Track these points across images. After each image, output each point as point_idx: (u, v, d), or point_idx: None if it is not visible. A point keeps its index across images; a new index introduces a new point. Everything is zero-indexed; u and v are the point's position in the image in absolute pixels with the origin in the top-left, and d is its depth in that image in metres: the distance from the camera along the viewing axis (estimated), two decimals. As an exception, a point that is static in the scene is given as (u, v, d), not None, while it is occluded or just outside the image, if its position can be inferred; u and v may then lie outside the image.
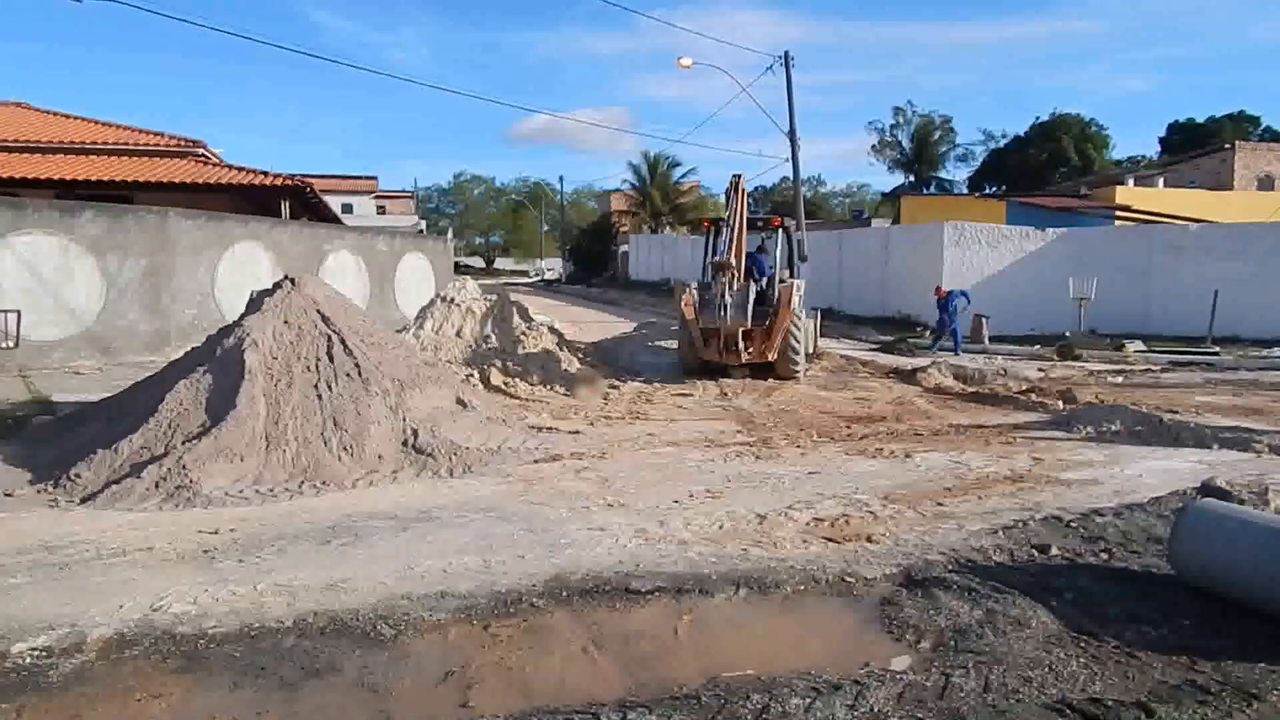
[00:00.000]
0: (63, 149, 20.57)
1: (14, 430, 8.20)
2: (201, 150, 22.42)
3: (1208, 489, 5.95)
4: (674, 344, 14.29)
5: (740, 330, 11.91)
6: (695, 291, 12.32)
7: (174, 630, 3.97)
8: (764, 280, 12.81)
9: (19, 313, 10.27)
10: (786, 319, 12.12)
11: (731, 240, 11.82)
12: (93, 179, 18.19)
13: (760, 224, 14.04)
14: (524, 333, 12.83)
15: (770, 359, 12.51)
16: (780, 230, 13.73)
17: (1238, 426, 8.88)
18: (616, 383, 12.20)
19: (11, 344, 9.99)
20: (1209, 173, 34.87)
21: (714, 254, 12.65)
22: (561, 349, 12.97)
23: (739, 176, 12.58)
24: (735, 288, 11.65)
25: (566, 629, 4.12)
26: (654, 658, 3.85)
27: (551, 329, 13.76)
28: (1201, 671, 3.57)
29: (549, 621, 4.19)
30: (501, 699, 3.47)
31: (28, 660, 3.70)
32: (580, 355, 13.50)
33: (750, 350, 12.28)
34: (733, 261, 11.62)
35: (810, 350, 13.89)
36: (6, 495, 6.15)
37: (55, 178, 18.00)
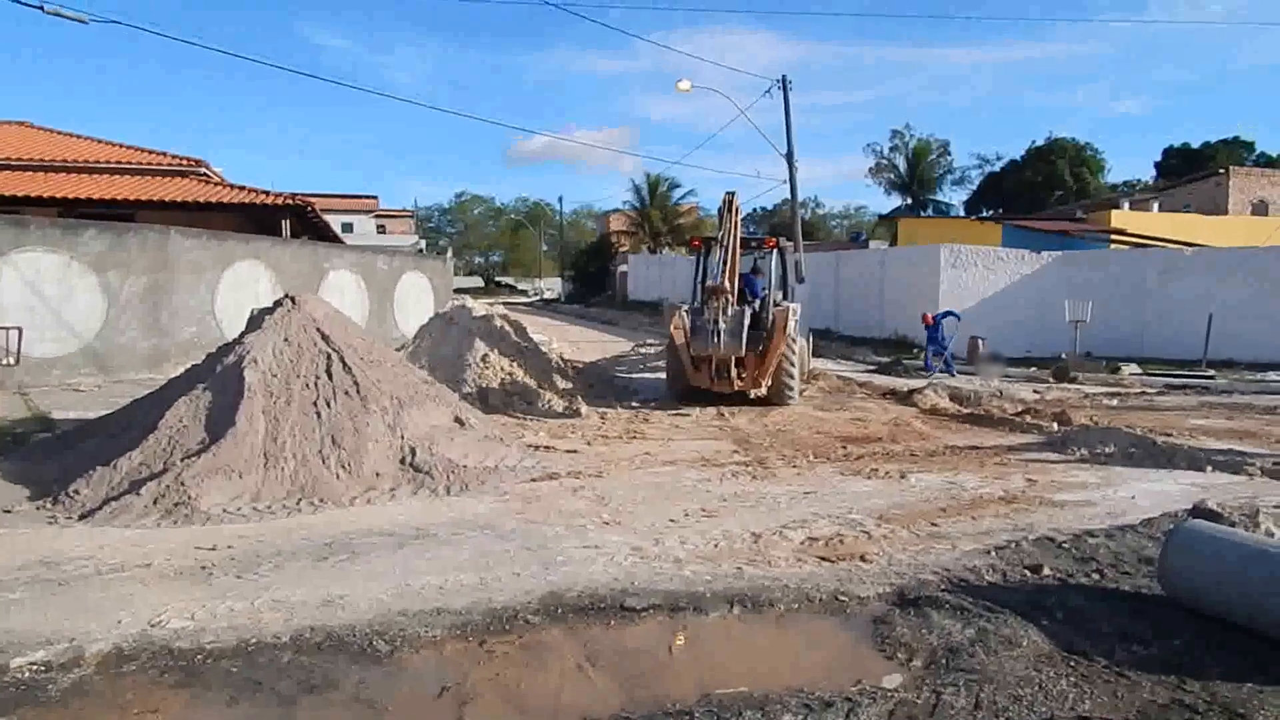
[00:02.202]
0: (66, 168, 20.75)
1: (13, 447, 8.23)
2: (203, 169, 22.61)
3: (1199, 511, 5.99)
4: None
5: (733, 357, 11.49)
6: (686, 316, 11.81)
7: (172, 645, 3.99)
8: (757, 302, 12.46)
9: (20, 330, 10.33)
10: (781, 345, 11.72)
11: (725, 262, 11.26)
12: (95, 197, 18.34)
13: (755, 244, 13.60)
14: (516, 357, 12.76)
15: (764, 387, 12.16)
16: (775, 251, 13.26)
17: (1231, 449, 8.93)
18: (607, 409, 11.65)
19: (12, 361, 10.04)
20: (1204, 197, 35.16)
21: (705, 274, 12.11)
22: (545, 375, 12.83)
23: (733, 194, 11.94)
24: (729, 313, 11.15)
25: (562, 646, 4.15)
26: (648, 674, 3.88)
27: (540, 351, 13.72)
28: (1190, 691, 3.61)
29: (544, 638, 4.22)
30: (497, 715, 3.51)
31: (26, 674, 3.72)
32: (570, 378, 13.51)
33: (743, 378, 11.91)
34: (726, 285, 11.09)
35: (804, 373, 13.55)
36: (5, 511, 6.17)
37: (58, 196, 18.14)
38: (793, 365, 12.08)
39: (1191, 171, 41.87)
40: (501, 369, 12.33)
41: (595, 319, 39.04)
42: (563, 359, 13.96)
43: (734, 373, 11.77)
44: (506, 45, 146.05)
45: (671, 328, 11.96)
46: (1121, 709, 3.46)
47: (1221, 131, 69.16)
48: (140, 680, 3.72)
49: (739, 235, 11.77)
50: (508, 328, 13.37)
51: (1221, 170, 36.59)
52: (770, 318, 11.92)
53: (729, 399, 12.25)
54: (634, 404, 12.29)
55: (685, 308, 12.23)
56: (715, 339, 11.11)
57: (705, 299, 11.42)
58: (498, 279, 74.20)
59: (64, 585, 4.77)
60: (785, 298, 13.15)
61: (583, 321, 37.44)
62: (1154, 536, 5.70)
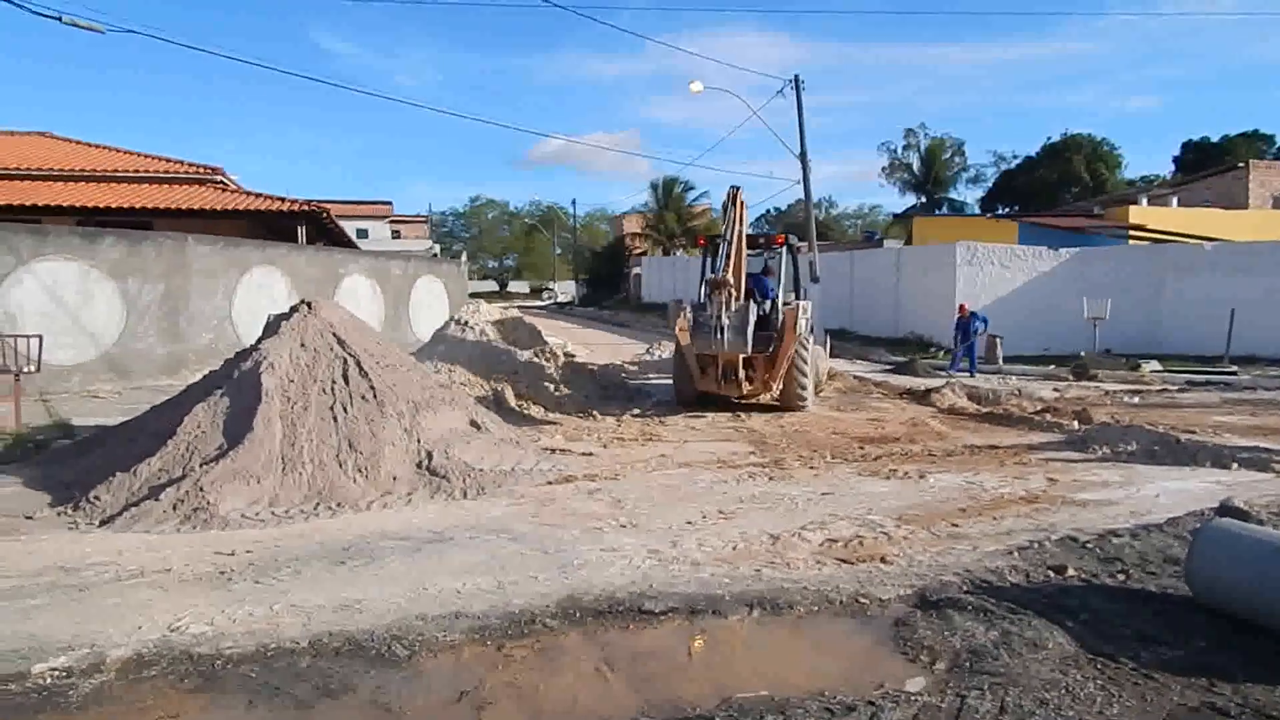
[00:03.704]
0: (84, 177, 20.97)
1: (34, 453, 8.31)
2: (219, 177, 22.79)
3: (1225, 509, 5.90)
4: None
5: (740, 358, 10.82)
6: (689, 313, 11.04)
7: (191, 650, 4.00)
8: (768, 303, 11.76)
9: (40, 337, 10.40)
10: (792, 344, 11.03)
11: (729, 256, 10.59)
12: (113, 206, 18.53)
13: (763, 241, 12.86)
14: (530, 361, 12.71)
15: (775, 391, 11.55)
16: (785, 249, 12.50)
17: (1256, 446, 8.79)
18: (623, 414, 11.27)
19: (33, 368, 10.11)
20: (1222, 192, 34.68)
21: (711, 274, 11.22)
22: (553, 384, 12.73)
23: (737, 189, 11.31)
24: (733, 309, 10.42)
25: (579, 649, 4.12)
26: (667, 678, 3.85)
27: (550, 352, 13.60)
28: (1220, 693, 3.54)
29: (562, 642, 4.20)
30: (514, 719, 3.48)
31: (48, 680, 3.74)
32: (582, 381, 13.45)
33: (752, 381, 11.26)
34: (729, 279, 10.37)
35: (820, 378, 13.01)
36: (27, 518, 6.23)
37: (77, 205, 18.34)
38: (805, 366, 11.47)
39: (1210, 166, 41.37)
40: (517, 371, 12.31)
41: (609, 321, 39.06)
42: (576, 361, 13.89)
43: (741, 375, 11.07)
44: (516, 49, 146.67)
45: (676, 329, 11.26)
46: (1151, 712, 3.39)
47: (1240, 125, 68.51)
48: (160, 685, 3.73)
49: (743, 230, 11.19)
50: (504, 345, 13.13)
51: (1240, 164, 36.09)
52: (780, 317, 11.34)
53: (741, 404, 11.78)
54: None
55: (689, 305, 11.50)
56: (718, 336, 10.41)
57: (707, 295, 10.69)
58: (535, 285, 71.16)
59: (84, 591, 4.79)
60: (798, 297, 12.57)
61: (597, 324, 37.45)
62: (1179, 536, 5.62)
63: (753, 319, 10.69)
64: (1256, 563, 4.15)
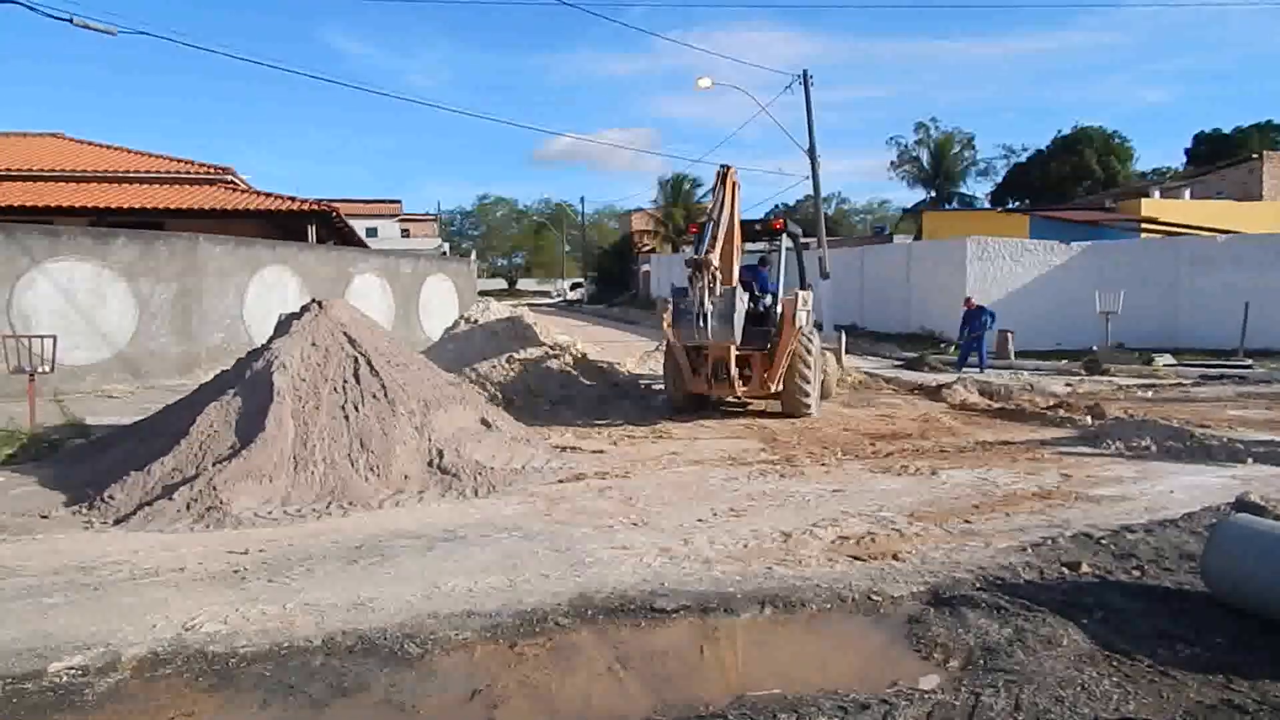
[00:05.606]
0: (97, 178, 21.12)
1: (49, 453, 8.37)
2: (230, 177, 22.91)
3: (1241, 504, 5.86)
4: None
5: (733, 354, 9.81)
6: (673, 301, 9.73)
7: (206, 649, 4.02)
8: (768, 297, 10.81)
9: (55, 338, 10.47)
10: (792, 339, 10.05)
11: (715, 237, 9.30)
12: (126, 206, 18.65)
13: (759, 227, 11.51)
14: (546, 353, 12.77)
15: (773, 391, 10.40)
16: (785, 236, 11.34)
17: (1272, 441, 8.72)
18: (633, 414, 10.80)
19: (47, 368, 10.18)
20: (1236, 183, 34.39)
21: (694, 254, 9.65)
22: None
23: (728, 168, 10.08)
24: (718, 293, 9.14)
25: (592, 648, 4.12)
26: (679, 677, 3.85)
27: (559, 349, 13.60)
28: (1238, 690, 3.51)
29: (574, 640, 4.20)
30: (527, 718, 3.49)
31: (64, 679, 3.76)
32: (570, 375, 13.44)
33: (748, 381, 10.19)
34: (714, 260, 9.07)
35: (829, 381, 12.13)
36: (42, 517, 6.28)
37: (90, 206, 18.46)
38: (808, 365, 10.40)
39: (1223, 158, 40.96)
40: (527, 369, 12.32)
41: (618, 319, 39.03)
42: (587, 359, 13.86)
43: (734, 373, 10.01)
44: (526, 47, 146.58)
45: (664, 325, 10.06)
46: (1168, 709, 3.37)
47: (1253, 116, 67.86)
48: (175, 684, 3.75)
49: (735, 211, 9.99)
50: (513, 343, 13.04)
51: (1255, 155, 35.74)
52: (779, 311, 10.32)
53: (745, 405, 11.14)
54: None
55: (672, 294, 10.06)
56: (701, 324, 9.12)
57: (689, 278, 9.28)
58: (577, 280, 69.04)
59: (100, 590, 4.83)
60: (802, 288, 11.19)
61: (606, 322, 37.42)
62: (1195, 531, 5.58)
63: (741, 306, 9.47)
64: (1273, 558, 4.11)
